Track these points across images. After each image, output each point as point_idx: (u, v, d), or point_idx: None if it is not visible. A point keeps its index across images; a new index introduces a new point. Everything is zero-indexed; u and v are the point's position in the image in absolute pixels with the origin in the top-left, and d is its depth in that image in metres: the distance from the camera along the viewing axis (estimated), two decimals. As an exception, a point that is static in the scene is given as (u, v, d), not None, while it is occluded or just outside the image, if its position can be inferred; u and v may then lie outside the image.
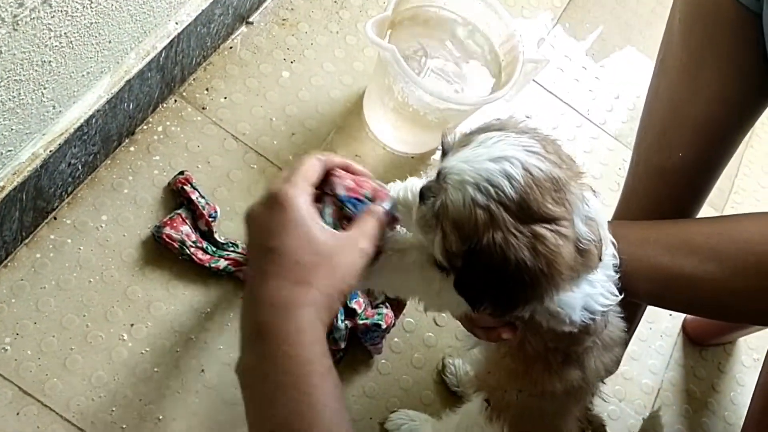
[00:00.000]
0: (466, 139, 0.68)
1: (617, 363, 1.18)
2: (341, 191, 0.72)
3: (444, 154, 0.70)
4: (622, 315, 0.83)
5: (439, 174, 0.67)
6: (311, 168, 0.71)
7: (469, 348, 0.88)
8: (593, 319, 0.74)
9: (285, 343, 0.63)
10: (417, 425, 1.08)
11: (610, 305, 0.75)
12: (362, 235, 0.69)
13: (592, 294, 0.73)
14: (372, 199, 0.73)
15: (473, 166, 0.64)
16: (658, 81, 1.03)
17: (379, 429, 1.11)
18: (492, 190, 0.63)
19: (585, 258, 0.68)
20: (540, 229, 0.64)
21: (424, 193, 0.70)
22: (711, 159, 1.01)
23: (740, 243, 0.82)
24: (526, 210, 0.63)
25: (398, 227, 0.77)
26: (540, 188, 0.64)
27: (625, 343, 1.20)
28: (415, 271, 0.75)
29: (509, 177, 0.63)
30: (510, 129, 0.68)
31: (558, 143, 0.70)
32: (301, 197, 0.67)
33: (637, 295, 0.84)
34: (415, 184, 0.75)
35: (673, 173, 1.01)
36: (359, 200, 0.73)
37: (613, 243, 0.76)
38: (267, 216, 0.68)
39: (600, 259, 0.71)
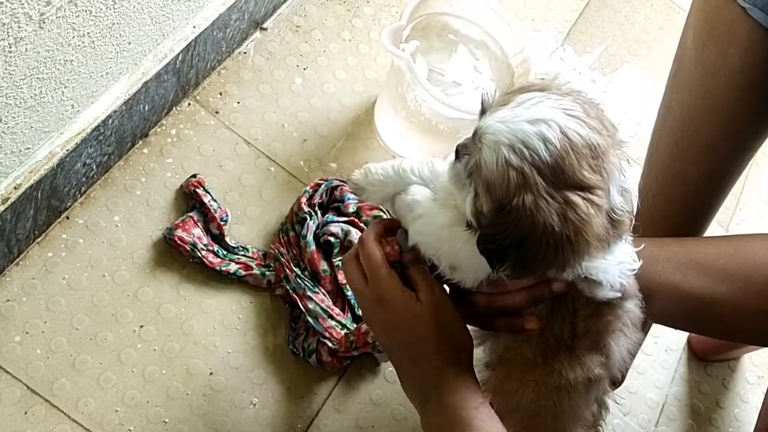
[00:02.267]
0: (506, 98, 0.66)
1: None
2: None
3: (482, 112, 0.68)
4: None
5: (475, 133, 0.66)
6: (373, 254, 0.78)
7: (476, 345, 0.84)
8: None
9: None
10: None
11: (635, 270, 0.75)
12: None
13: (624, 261, 0.73)
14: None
15: (509, 127, 0.63)
16: (670, 95, 1.04)
17: (385, 436, 1.11)
18: (527, 152, 0.62)
19: (617, 229, 0.67)
20: (573, 195, 0.63)
21: (459, 151, 0.69)
22: (722, 173, 1.02)
23: (750, 265, 0.81)
24: (560, 175, 0.62)
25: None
26: (577, 154, 0.62)
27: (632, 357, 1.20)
28: (443, 226, 0.74)
29: (545, 140, 0.62)
30: (552, 90, 0.67)
31: (601, 108, 0.68)
32: (391, 280, 0.77)
33: (646, 311, 0.83)
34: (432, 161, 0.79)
35: (684, 186, 1.02)
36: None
37: None
38: (384, 315, 0.78)
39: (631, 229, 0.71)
